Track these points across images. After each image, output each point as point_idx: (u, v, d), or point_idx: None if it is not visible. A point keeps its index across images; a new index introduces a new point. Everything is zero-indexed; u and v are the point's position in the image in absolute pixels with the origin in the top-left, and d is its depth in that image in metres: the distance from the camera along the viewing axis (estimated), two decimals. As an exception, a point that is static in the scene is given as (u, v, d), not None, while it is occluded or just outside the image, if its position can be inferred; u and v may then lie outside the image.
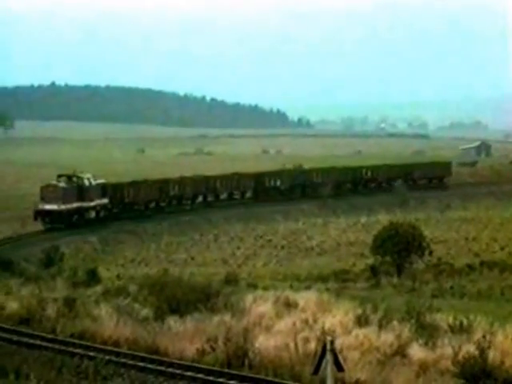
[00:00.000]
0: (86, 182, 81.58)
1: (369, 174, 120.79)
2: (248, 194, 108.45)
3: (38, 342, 31.93)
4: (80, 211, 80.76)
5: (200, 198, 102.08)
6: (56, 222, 78.45)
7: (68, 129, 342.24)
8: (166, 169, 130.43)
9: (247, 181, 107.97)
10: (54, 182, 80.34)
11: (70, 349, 29.99)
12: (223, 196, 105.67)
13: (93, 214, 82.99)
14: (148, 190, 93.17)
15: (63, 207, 78.07)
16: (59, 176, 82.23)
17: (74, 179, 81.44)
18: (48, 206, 77.43)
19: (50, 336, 33.13)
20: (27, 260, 60.94)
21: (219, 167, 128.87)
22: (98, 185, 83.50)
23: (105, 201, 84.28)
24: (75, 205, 79.75)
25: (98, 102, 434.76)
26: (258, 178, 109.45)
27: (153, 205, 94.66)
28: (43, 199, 78.27)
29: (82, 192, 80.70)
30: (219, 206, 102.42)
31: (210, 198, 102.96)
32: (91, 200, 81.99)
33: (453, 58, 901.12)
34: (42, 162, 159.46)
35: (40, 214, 78.02)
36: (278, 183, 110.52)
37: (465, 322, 28.30)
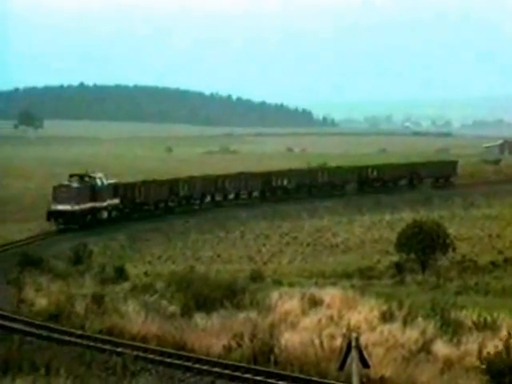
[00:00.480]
0: (99, 182, 79.57)
1: (374, 173, 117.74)
2: (255, 194, 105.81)
3: (68, 338, 32.05)
4: (93, 211, 78.60)
5: (208, 198, 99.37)
6: (69, 223, 76.25)
7: (96, 128, 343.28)
8: (192, 167, 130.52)
9: (254, 180, 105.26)
10: (67, 182, 78.14)
11: (99, 344, 30.09)
12: (231, 196, 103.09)
13: (105, 215, 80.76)
14: (158, 189, 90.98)
15: (76, 207, 75.88)
16: (71, 176, 80.00)
17: (86, 179, 79.29)
18: (61, 207, 75.21)
19: (78, 332, 33.24)
20: (56, 257, 61.13)
21: (244, 166, 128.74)
22: (109, 184, 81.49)
23: (116, 201, 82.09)
24: (88, 205, 77.65)
25: (126, 101, 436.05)
26: (265, 177, 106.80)
27: (162, 205, 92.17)
28: (56, 199, 75.98)
29: (94, 192, 78.60)
30: (239, 203, 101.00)
31: (218, 198, 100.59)
32: (103, 200, 79.81)
33: (475, 56, 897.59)
34: (71, 161, 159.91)
35: (53, 215, 75.81)
36: (285, 183, 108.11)
37: (489, 318, 28.16)
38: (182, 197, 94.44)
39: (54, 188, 77.23)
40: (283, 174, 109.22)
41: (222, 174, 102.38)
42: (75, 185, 77.26)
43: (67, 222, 75.87)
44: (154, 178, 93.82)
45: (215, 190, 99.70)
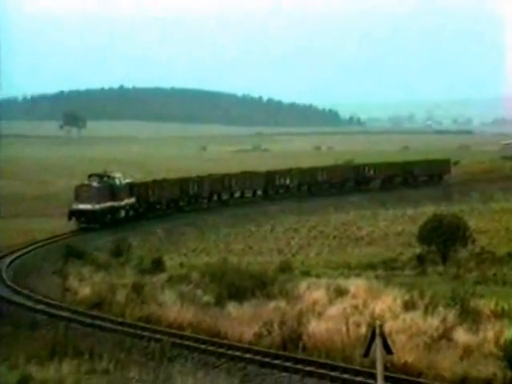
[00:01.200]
0: (117, 182, 77.82)
1: (371, 171, 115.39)
2: (259, 192, 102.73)
3: (109, 325, 32.25)
4: (112, 211, 76.50)
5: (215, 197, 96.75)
6: (91, 222, 73.85)
7: (135, 128, 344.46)
8: (225, 165, 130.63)
9: (258, 179, 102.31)
10: (88, 182, 76.16)
11: (138, 331, 30.25)
12: (237, 194, 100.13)
13: (123, 214, 78.60)
14: (170, 189, 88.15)
15: (97, 207, 73.80)
16: (90, 176, 77.92)
17: (105, 179, 77.44)
18: (82, 206, 73.18)
19: (119, 319, 33.42)
20: (98, 250, 61.43)
21: (274, 163, 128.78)
22: (126, 184, 79.54)
23: (132, 200, 79.71)
24: (108, 204, 75.57)
25: (164, 103, 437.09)
26: (268, 176, 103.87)
27: (174, 204, 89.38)
28: (77, 199, 73.96)
29: (113, 191, 76.55)
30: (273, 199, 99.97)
31: (224, 197, 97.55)
32: (121, 199, 77.70)
33: (493, 54, 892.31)
34: (112, 159, 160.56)
35: (74, 214, 73.60)
36: (288, 181, 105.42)
37: (506, 307, 28.02)
38: (192, 195, 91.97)
39: (76, 188, 75.78)
40: (285, 173, 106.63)
41: (227, 173, 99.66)
42: (96, 184, 75.56)
43: (88, 221, 73.84)
44: (164, 178, 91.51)
45: (222, 188, 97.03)
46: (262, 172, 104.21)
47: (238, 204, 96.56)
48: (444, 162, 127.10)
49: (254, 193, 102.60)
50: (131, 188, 79.90)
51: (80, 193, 74.26)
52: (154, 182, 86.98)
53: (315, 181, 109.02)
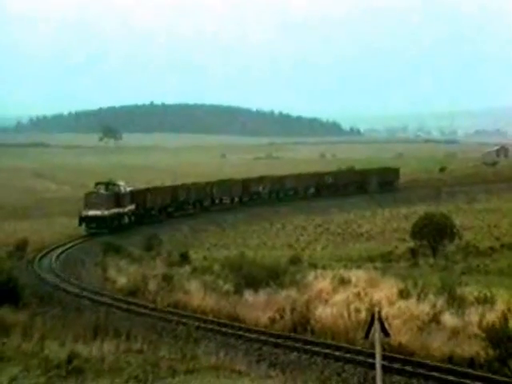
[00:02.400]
0: (122, 189, 73.49)
1: (331, 179, 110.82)
2: (236, 199, 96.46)
3: (143, 310, 32.24)
4: (118, 217, 72.46)
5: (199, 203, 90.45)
6: (100, 228, 69.42)
7: (164, 139, 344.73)
8: (243, 170, 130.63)
9: (236, 187, 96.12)
10: (96, 190, 72.26)
11: (168, 316, 30.22)
12: (217, 201, 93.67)
13: (126, 220, 74.36)
14: (162, 195, 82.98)
15: (106, 213, 69.67)
16: (97, 184, 73.90)
17: (110, 186, 73.21)
18: (92, 212, 69.05)
19: (151, 305, 33.43)
20: (132, 245, 61.52)
21: (284, 169, 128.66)
22: (129, 192, 75.09)
23: (133, 206, 75.24)
24: (115, 210, 71.41)
25: (189, 117, 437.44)
26: (244, 183, 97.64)
27: (166, 210, 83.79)
28: (87, 205, 69.81)
29: (118, 198, 72.24)
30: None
31: (206, 203, 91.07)
32: (125, 206, 73.41)
33: (477, 71, 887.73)
34: (144, 166, 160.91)
35: (84, 220, 69.45)
36: (260, 189, 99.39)
37: (488, 294, 27.92)
38: (181, 202, 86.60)
39: (86, 195, 71.78)
40: (258, 181, 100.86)
41: (210, 181, 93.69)
42: (104, 192, 71.85)
43: (98, 227, 69.54)
44: (157, 185, 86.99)
45: (205, 195, 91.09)
46: (239, 179, 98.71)
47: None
48: (394, 170, 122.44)
49: (232, 199, 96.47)
50: (132, 195, 75.67)
51: (90, 200, 70.51)
52: (148, 189, 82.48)
53: (284, 188, 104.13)
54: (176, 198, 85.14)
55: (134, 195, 76.14)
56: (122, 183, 75.36)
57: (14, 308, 26.46)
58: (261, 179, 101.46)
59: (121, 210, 72.69)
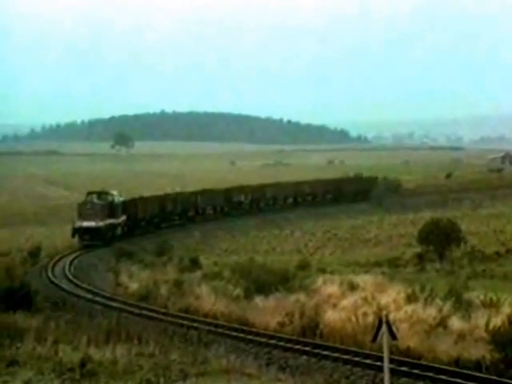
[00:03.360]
0: (116, 199, 67.99)
1: (308, 188, 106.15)
2: (219, 209, 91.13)
3: (155, 315, 32.25)
4: (113, 228, 66.81)
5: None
6: (95, 240, 63.75)
7: (175, 146, 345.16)
8: (252, 177, 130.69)
9: (219, 196, 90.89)
10: (90, 199, 66.52)
11: (179, 320, 30.23)
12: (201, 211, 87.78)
13: (119, 231, 68.64)
14: (151, 205, 77.54)
15: (101, 224, 64.03)
16: (89, 193, 68.07)
17: (104, 196, 67.63)
18: (86, 223, 63.56)
19: (163, 310, 33.45)
20: (144, 251, 61.58)
21: (293, 175, 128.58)
22: (122, 202, 69.68)
23: (125, 217, 69.73)
24: (110, 221, 65.82)
25: (199, 125, 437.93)
26: (227, 193, 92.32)
27: (155, 220, 78.60)
28: (81, 216, 64.28)
29: (112, 208, 66.58)
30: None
31: (191, 213, 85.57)
32: (118, 217, 67.79)
33: (481, 80, 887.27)
34: (157, 173, 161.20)
35: (78, 232, 63.92)
36: (242, 198, 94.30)
37: (494, 298, 27.84)
38: (168, 213, 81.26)
39: (79, 205, 66.16)
40: (240, 190, 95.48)
41: (195, 191, 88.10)
42: (99, 202, 66.19)
43: (93, 239, 63.82)
44: (143, 196, 79.75)
45: (190, 206, 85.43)
46: (222, 189, 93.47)
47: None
48: (371, 179, 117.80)
49: (215, 209, 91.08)
50: (124, 205, 70.19)
51: (84, 210, 65.00)
52: (140, 199, 76.66)
53: (264, 197, 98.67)
54: (164, 209, 79.84)
55: (126, 205, 70.81)
56: (115, 192, 69.93)
57: (28, 313, 26.52)
58: (242, 188, 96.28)
59: (114, 220, 66.97)
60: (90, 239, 63.82)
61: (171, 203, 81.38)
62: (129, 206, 71.86)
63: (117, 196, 69.00)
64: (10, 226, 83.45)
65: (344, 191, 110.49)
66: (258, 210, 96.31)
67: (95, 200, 66.45)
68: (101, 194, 67.98)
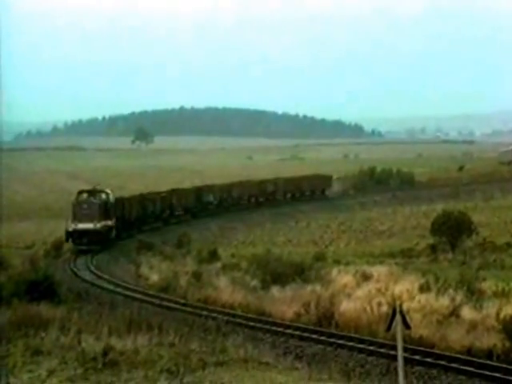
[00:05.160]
0: (111, 198, 60.14)
1: (271, 187, 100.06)
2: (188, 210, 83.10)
3: (174, 305, 32.32)
4: (109, 230, 58.84)
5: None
6: (92, 244, 55.76)
7: (194, 142, 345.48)
8: (269, 171, 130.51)
9: (188, 196, 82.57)
10: (87, 198, 58.63)
11: (198, 311, 30.27)
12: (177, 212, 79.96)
13: (114, 233, 60.36)
14: (136, 206, 69.03)
15: (99, 226, 56.29)
16: (80, 192, 59.97)
17: (98, 195, 59.73)
18: (82, 226, 55.72)
19: (182, 301, 33.51)
20: (164, 243, 61.70)
21: (310, 169, 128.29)
22: (114, 201, 61.46)
23: (115, 218, 60.91)
24: (107, 223, 58.22)
25: (217, 120, 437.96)
26: (197, 192, 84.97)
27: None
28: (76, 218, 56.27)
29: (107, 209, 58.67)
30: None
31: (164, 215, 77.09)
32: (112, 217, 59.52)
33: (493, 73, 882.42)
34: (175, 168, 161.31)
35: (72, 235, 55.93)
36: (211, 198, 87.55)
37: (505, 288, 27.72)
38: (149, 214, 72.80)
39: (74, 205, 57.71)
40: (209, 190, 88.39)
41: (172, 190, 79.88)
42: (96, 201, 58.12)
43: (90, 243, 55.84)
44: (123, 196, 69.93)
45: (166, 207, 77.07)
46: (193, 188, 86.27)
47: (280, 203, 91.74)
48: (326, 177, 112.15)
49: (186, 210, 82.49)
50: (117, 205, 62.29)
51: (80, 211, 56.91)
52: (128, 198, 68.70)
53: (231, 196, 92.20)
54: (145, 209, 71.20)
55: (117, 205, 62.60)
56: (108, 190, 61.72)
57: (52, 304, 26.65)
58: (211, 188, 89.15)
59: (109, 222, 58.88)
60: (87, 243, 55.85)
61: (151, 204, 73.13)
62: (117, 206, 62.91)
63: (110, 194, 61.05)
64: (35, 219, 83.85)
65: (304, 189, 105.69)
66: (225, 210, 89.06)
67: (92, 199, 58.50)
68: (95, 193, 59.86)
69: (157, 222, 75.25)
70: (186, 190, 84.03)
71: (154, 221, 74.72)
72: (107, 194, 60.24)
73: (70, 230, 56.28)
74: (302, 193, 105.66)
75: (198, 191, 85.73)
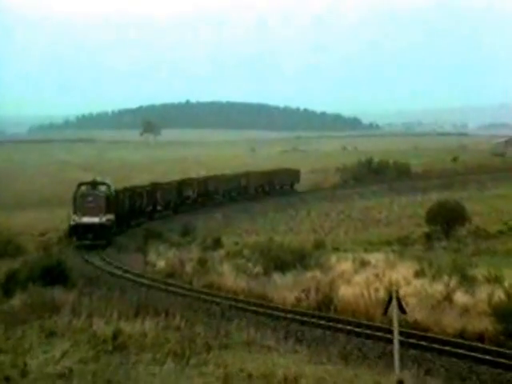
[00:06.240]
0: (112, 190, 55.09)
1: (244, 181, 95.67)
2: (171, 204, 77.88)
3: (180, 291, 32.40)
4: (112, 224, 53.84)
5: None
6: (98, 239, 51.30)
7: (199, 134, 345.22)
8: (271, 162, 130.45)
9: (171, 190, 77.28)
10: (91, 190, 53.11)
11: (203, 296, 30.34)
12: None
13: (114, 228, 55.19)
14: (128, 199, 63.16)
15: (104, 220, 51.62)
16: (81, 184, 54.20)
17: (100, 187, 54.33)
18: (87, 219, 50.92)
19: (188, 286, 33.59)
20: (170, 231, 61.79)
21: (310, 161, 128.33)
22: (115, 193, 56.34)
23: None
24: (111, 217, 53.23)
25: (221, 113, 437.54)
26: (179, 187, 79.59)
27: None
28: (80, 211, 51.22)
29: (110, 201, 53.37)
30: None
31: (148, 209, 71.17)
32: (113, 211, 54.18)
33: (487, 70, 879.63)
34: (182, 159, 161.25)
35: (76, 231, 51.02)
36: (190, 193, 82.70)
37: (497, 274, 27.75)
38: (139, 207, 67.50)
39: (78, 197, 52.32)
40: (188, 184, 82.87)
41: (155, 183, 74.96)
42: (102, 193, 52.82)
43: (96, 238, 51.36)
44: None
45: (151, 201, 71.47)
46: (175, 182, 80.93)
47: (282, 194, 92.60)
48: (295, 171, 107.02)
49: (167, 205, 76.58)
50: (117, 198, 57.00)
51: (84, 203, 51.76)
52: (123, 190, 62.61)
53: (207, 191, 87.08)
54: (134, 204, 65.30)
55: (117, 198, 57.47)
56: (109, 182, 56.65)
57: (64, 288, 26.78)
58: (190, 182, 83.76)
59: (112, 215, 53.61)
60: (92, 239, 51.36)
61: (139, 198, 67.24)
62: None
63: (111, 186, 55.88)
64: (48, 208, 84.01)
65: (275, 183, 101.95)
66: (202, 205, 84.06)
67: (98, 191, 53.25)
68: (97, 185, 54.43)
69: (143, 216, 68.92)
70: (168, 184, 77.84)
71: (140, 215, 68.26)
72: (109, 186, 55.03)
73: (74, 224, 51.23)
74: (272, 187, 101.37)
75: (179, 185, 79.97)
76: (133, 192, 65.00)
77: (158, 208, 73.34)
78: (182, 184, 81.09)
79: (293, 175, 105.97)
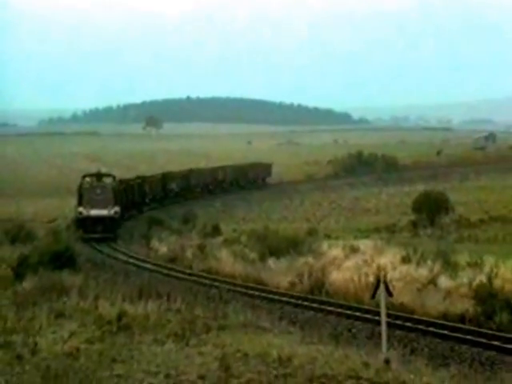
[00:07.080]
0: (116, 182, 51.88)
1: (221, 175, 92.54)
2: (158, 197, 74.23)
3: (181, 275, 32.43)
4: (119, 217, 50.24)
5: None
6: (107, 232, 47.75)
7: (199, 128, 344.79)
8: (266, 154, 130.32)
9: (157, 184, 73.75)
10: (98, 182, 49.91)
11: (202, 280, 30.38)
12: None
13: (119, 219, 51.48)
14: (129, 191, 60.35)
15: (112, 212, 48.13)
16: (86, 176, 50.70)
17: (106, 179, 51.01)
18: (95, 212, 47.51)
19: (188, 271, 33.62)
20: (172, 218, 61.75)
21: (303, 152, 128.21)
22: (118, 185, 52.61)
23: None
24: (118, 209, 49.45)
25: (220, 108, 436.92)
26: (163, 180, 76.04)
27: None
28: (88, 203, 47.72)
29: (115, 193, 50.00)
30: None
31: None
32: (117, 204, 49.96)
33: (472, 67, 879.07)
34: (183, 151, 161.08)
35: (85, 223, 47.49)
36: (174, 186, 78.65)
37: (478, 260, 27.79)
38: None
39: (85, 189, 48.81)
40: (171, 177, 78.90)
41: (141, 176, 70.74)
42: (110, 185, 49.56)
43: (105, 230, 47.82)
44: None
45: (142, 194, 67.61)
46: (159, 175, 76.72)
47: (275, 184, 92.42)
48: (267, 165, 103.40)
49: (153, 198, 72.66)
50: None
51: (92, 195, 48.19)
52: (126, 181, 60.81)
53: (189, 184, 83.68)
54: (132, 196, 62.18)
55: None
56: (113, 174, 53.50)
57: (72, 272, 26.77)
58: (173, 176, 79.70)
59: (119, 208, 49.77)
60: (101, 231, 47.87)
61: (132, 190, 62.84)
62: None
63: (116, 178, 52.81)
64: (57, 196, 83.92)
65: (249, 177, 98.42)
66: (183, 198, 79.84)
67: (104, 183, 49.81)
68: (102, 177, 51.10)
69: (134, 208, 64.58)
70: (153, 176, 74.20)
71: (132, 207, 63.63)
72: (114, 177, 51.85)
73: (82, 216, 47.79)
74: (247, 180, 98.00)
75: (163, 179, 76.16)
76: (126, 184, 60.79)
77: (146, 201, 69.29)
78: (166, 177, 77.40)
79: (265, 169, 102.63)
